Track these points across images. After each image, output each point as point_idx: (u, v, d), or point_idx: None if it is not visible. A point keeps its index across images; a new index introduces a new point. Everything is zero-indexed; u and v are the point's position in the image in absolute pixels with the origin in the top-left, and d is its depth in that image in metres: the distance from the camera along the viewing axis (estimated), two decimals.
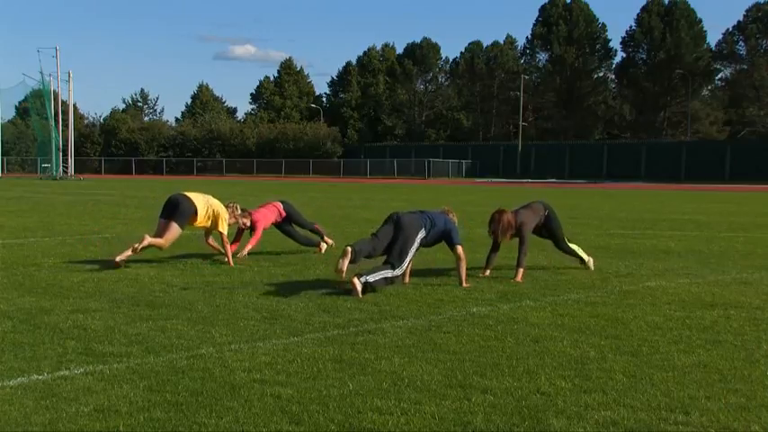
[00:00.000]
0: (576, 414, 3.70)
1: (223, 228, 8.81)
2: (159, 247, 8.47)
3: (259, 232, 9.39)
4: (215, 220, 8.80)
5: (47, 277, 7.72)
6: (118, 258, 8.24)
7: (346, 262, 6.71)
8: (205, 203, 8.76)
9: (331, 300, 6.59)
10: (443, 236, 7.50)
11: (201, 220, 8.74)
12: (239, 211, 9.28)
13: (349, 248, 6.79)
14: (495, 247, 8.27)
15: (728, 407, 3.83)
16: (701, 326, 5.73)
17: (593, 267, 8.64)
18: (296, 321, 5.73)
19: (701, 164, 62.31)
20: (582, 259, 8.73)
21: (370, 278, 6.83)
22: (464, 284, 7.39)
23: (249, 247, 9.31)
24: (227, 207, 9.04)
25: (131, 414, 3.64)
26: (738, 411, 3.77)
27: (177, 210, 8.49)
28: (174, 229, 8.44)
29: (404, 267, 7.12)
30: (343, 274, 6.76)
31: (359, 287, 6.73)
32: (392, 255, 7.06)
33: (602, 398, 3.95)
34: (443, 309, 6.27)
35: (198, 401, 3.83)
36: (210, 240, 9.24)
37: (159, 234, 8.45)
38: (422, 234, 7.27)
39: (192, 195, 8.74)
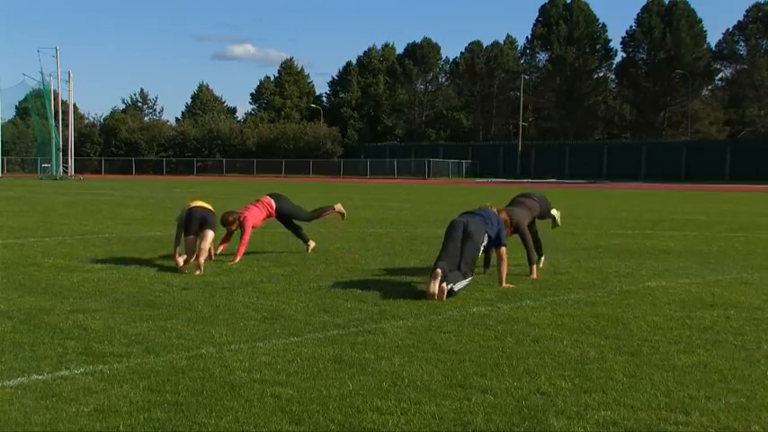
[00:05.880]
0: (576, 414, 3.70)
1: None
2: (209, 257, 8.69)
3: (247, 234, 9.13)
4: None
5: (47, 277, 7.72)
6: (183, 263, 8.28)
7: (437, 285, 6.53)
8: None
9: (331, 300, 6.59)
10: (496, 236, 7.44)
11: None
12: None
13: (439, 270, 6.59)
14: None
15: (728, 407, 3.83)
16: (701, 326, 5.73)
17: (541, 266, 8.52)
18: (296, 321, 5.73)
19: (701, 164, 62.31)
20: (541, 256, 8.68)
21: (456, 287, 6.70)
22: (503, 284, 7.31)
23: (242, 249, 9.01)
24: None
25: (131, 414, 3.64)
26: (738, 411, 3.77)
27: (207, 222, 8.53)
28: (210, 235, 8.51)
29: (473, 273, 7.13)
30: (435, 297, 6.53)
31: (445, 295, 6.58)
32: (463, 263, 6.92)
33: (602, 398, 3.95)
34: (443, 309, 6.26)
35: (198, 401, 3.83)
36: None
37: (199, 245, 8.39)
38: (485, 241, 7.26)
39: (200, 204, 8.84)
